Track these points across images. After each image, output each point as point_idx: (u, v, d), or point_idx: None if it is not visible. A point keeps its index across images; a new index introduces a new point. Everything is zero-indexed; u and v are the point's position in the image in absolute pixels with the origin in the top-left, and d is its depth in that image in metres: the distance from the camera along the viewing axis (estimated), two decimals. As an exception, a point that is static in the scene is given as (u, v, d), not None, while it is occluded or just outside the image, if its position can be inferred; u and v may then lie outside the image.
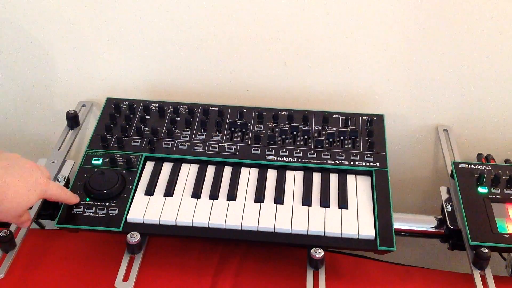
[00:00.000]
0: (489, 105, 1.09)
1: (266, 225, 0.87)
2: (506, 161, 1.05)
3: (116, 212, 0.88)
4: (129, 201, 0.90)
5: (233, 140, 1.00)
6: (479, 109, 1.10)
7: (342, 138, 1.00)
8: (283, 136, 1.00)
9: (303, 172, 0.96)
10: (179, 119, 1.04)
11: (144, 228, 0.87)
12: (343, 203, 0.91)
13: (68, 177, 0.98)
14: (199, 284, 0.90)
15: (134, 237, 0.84)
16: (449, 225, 0.92)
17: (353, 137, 1.01)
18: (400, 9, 0.98)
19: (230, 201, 0.91)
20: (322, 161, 0.97)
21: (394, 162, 1.14)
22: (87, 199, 0.90)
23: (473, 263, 0.85)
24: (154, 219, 0.88)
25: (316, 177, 0.95)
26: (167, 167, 0.97)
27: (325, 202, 0.91)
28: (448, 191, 0.98)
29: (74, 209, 0.88)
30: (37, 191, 0.80)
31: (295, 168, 0.97)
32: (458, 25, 0.99)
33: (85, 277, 0.91)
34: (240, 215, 0.88)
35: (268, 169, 0.97)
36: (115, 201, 0.89)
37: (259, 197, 0.91)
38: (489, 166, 0.97)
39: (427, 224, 0.96)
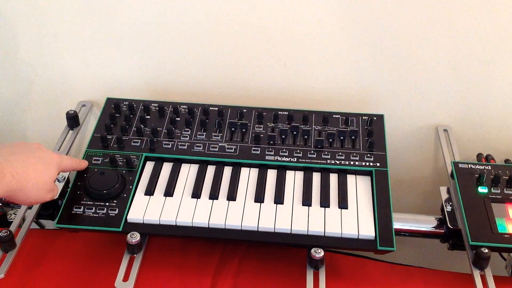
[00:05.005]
0: (489, 105, 1.09)
1: (266, 225, 0.87)
2: (506, 161, 1.05)
3: (116, 212, 0.88)
4: (129, 201, 0.90)
5: (233, 140, 1.00)
6: (479, 109, 1.10)
7: (342, 138, 1.00)
8: (283, 136, 1.00)
9: (303, 172, 0.96)
10: (179, 119, 1.04)
11: (144, 228, 0.87)
12: (343, 203, 0.91)
13: (68, 177, 0.98)
14: (199, 284, 0.90)
15: (134, 237, 0.84)
16: (449, 225, 0.92)
17: (353, 137, 1.01)
18: (400, 9, 0.98)
19: (230, 201, 0.91)
20: (322, 161, 0.97)
21: (394, 162, 1.14)
22: (87, 199, 0.90)
23: (473, 263, 0.85)
24: (154, 219, 0.88)
25: (316, 177, 0.95)
26: (167, 167, 0.97)
27: (325, 202, 0.91)
28: (448, 191, 0.98)
29: (74, 209, 0.88)
30: (53, 164, 0.85)
31: (295, 168, 0.97)
32: (458, 25, 0.99)
33: (85, 277, 0.91)
34: (240, 215, 0.88)
35: (268, 169, 0.97)
36: (115, 201, 0.89)
37: (259, 197, 0.91)
38: (489, 166, 0.97)
39: (427, 224, 0.96)
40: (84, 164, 0.94)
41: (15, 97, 1.19)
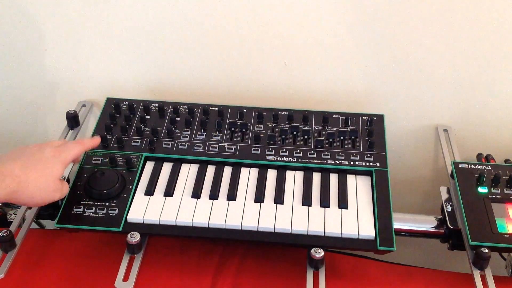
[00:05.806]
0: (489, 105, 1.09)
1: (266, 225, 0.87)
2: (506, 161, 1.05)
3: (116, 212, 0.88)
4: (129, 201, 0.90)
5: (233, 140, 1.00)
6: (479, 109, 1.10)
7: (342, 138, 1.00)
8: (283, 136, 1.00)
9: (303, 172, 0.96)
10: (179, 119, 1.04)
11: (144, 228, 0.87)
12: (343, 203, 0.91)
13: (68, 177, 0.98)
14: (199, 284, 0.90)
15: (134, 237, 0.84)
16: (449, 225, 0.92)
17: (353, 137, 1.01)
18: (400, 9, 0.98)
19: (230, 201, 0.91)
20: (322, 161, 0.97)
21: (394, 162, 1.14)
22: (87, 199, 0.90)
23: (473, 263, 0.85)
24: (154, 219, 0.88)
25: (316, 177, 0.95)
26: (167, 167, 0.97)
27: (325, 202, 0.91)
28: (448, 191, 0.98)
29: (74, 209, 0.88)
30: (55, 162, 0.83)
31: (295, 168, 0.97)
32: (458, 25, 0.99)
33: (85, 277, 0.91)
34: (240, 215, 0.88)
35: (268, 169, 0.97)
36: (115, 201, 0.89)
37: (259, 197, 0.91)
38: (489, 166, 0.97)
39: (427, 224, 0.96)
40: (95, 141, 0.94)
41: (16, 97, 1.19)
